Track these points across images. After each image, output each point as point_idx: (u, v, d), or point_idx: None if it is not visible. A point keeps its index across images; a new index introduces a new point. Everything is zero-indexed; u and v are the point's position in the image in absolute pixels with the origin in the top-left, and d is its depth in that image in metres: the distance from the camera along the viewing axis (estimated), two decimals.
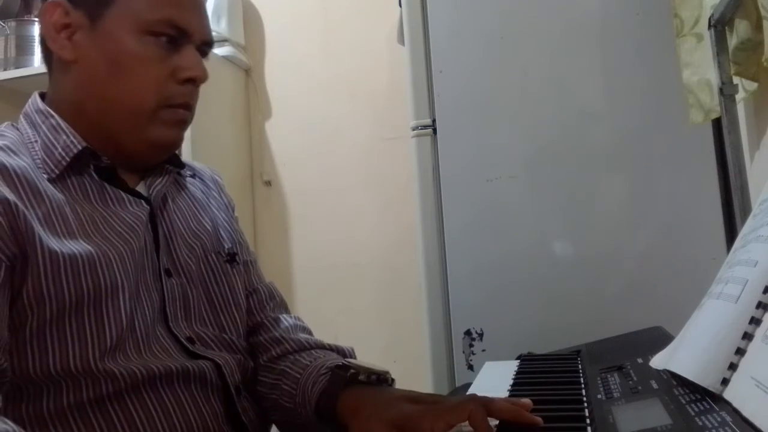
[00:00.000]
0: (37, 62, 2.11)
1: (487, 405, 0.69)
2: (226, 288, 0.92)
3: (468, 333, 1.44)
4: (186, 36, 0.84)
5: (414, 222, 1.56)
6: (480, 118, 1.50)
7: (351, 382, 0.82)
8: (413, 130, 1.56)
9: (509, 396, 0.84)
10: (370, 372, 0.84)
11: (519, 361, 1.08)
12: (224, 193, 1.04)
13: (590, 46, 1.48)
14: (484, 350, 1.43)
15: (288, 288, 2.28)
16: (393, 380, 0.87)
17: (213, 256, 0.92)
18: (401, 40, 1.67)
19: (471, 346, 1.44)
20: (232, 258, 0.95)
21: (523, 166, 1.48)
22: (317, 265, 2.25)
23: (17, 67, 2.09)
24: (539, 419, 0.68)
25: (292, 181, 2.32)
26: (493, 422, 0.70)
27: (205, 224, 0.95)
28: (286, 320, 1.00)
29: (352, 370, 0.83)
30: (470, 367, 1.43)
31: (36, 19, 2.15)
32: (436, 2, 1.55)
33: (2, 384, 0.68)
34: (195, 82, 0.85)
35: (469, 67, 1.52)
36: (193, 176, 1.00)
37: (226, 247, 0.96)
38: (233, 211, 1.04)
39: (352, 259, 2.21)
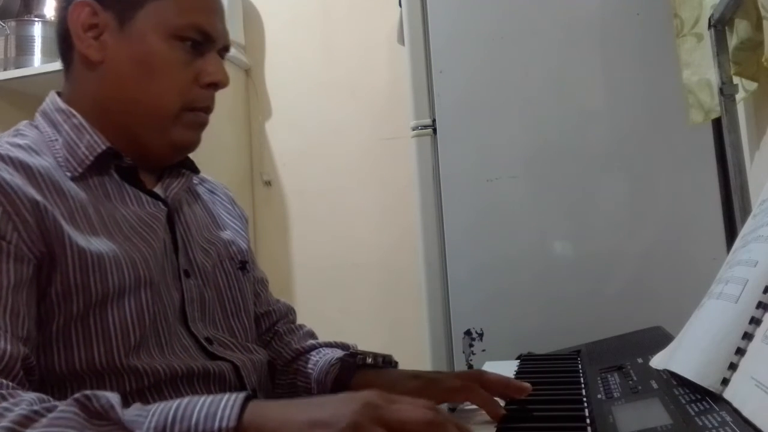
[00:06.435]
0: (37, 62, 2.11)
1: (480, 379, 0.79)
2: (238, 294, 0.94)
3: (468, 333, 1.44)
4: (210, 41, 0.86)
5: (414, 222, 1.56)
6: (480, 118, 1.50)
7: (360, 367, 0.91)
8: (413, 130, 1.56)
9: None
10: (375, 355, 0.92)
11: (519, 361, 1.09)
12: (237, 206, 1.08)
13: (590, 46, 1.48)
14: (484, 350, 1.43)
15: (288, 288, 2.27)
16: (397, 363, 0.95)
17: (227, 261, 0.94)
18: (401, 40, 1.67)
19: (471, 346, 1.44)
20: (243, 266, 0.97)
21: (523, 166, 1.47)
22: (317, 265, 2.25)
23: (17, 67, 2.09)
24: (528, 385, 0.78)
25: (292, 181, 2.32)
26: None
27: (219, 231, 0.97)
28: (298, 330, 1.07)
29: (359, 356, 0.92)
30: (470, 367, 1.42)
31: (36, 18, 2.14)
32: (436, 2, 1.55)
33: (32, 381, 0.69)
34: (217, 86, 0.87)
35: (469, 67, 1.51)
36: (201, 183, 1.02)
37: (238, 254, 0.97)
38: (247, 223, 1.07)
39: (352, 259, 2.21)
